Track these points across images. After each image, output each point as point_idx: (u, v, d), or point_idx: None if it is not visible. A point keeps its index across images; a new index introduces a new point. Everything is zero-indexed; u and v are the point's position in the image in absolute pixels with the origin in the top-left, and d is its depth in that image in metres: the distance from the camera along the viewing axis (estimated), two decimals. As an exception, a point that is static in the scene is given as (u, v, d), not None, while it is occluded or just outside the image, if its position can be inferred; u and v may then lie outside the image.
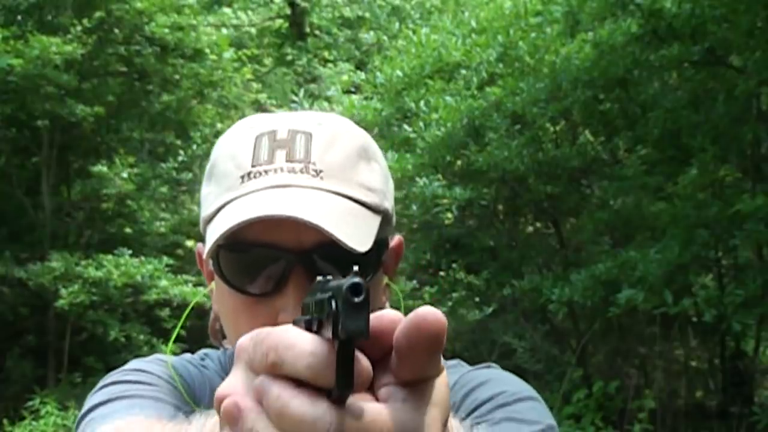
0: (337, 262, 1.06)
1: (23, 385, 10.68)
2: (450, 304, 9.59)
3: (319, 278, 0.65)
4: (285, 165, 1.10)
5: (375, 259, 1.13)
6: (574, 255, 8.66)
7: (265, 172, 1.10)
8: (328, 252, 1.06)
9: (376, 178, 1.17)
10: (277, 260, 1.09)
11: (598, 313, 7.79)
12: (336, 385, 0.56)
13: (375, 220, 1.12)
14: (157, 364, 1.23)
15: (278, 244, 1.08)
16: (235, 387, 0.62)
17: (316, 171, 1.10)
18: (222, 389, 0.63)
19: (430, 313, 0.58)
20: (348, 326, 0.55)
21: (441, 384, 0.62)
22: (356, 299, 0.55)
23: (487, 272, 9.12)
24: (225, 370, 1.26)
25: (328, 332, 0.57)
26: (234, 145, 1.16)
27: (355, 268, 0.59)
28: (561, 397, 8.21)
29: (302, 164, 1.11)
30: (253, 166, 1.12)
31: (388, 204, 1.18)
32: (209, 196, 1.16)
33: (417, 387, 0.60)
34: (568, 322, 9.03)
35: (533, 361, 9.36)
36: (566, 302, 7.47)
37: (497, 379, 1.21)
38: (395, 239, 1.25)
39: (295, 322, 0.65)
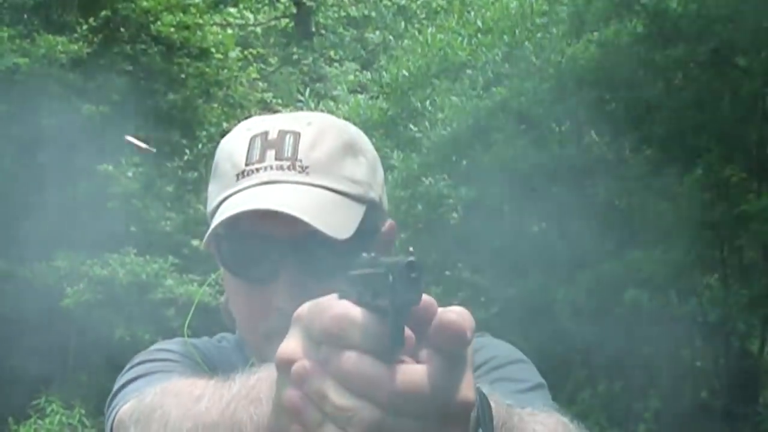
0: (325, 250, 1.16)
1: (29, 384, 10.69)
2: (455, 303, 9.56)
3: (364, 255, 0.76)
4: (274, 163, 1.21)
5: (361, 244, 1.20)
6: (579, 255, 8.65)
7: (257, 170, 1.22)
8: (316, 240, 1.15)
9: (362, 170, 1.26)
10: (270, 249, 1.20)
11: (603, 313, 7.79)
12: (390, 343, 0.68)
13: (359, 210, 1.22)
14: (178, 344, 1.37)
15: (271, 234, 1.19)
16: (295, 350, 0.74)
17: (302, 167, 1.21)
18: (283, 351, 0.74)
19: (452, 323, 0.70)
20: (405, 296, 0.67)
21: (470, 349, 0.73)
22: (413, 275, 0.67)
23: (492, 272, 9.10)
24: (240, 348, 1.41)
25: (383, 300, 0.68)
26: (232, 146, 1.28)
27: (410, 248, 0.70)
28: (566, 397, 8.21)
29: (289, 161, 1.21)
30: (246, 165, 1.23)
31: (375, 194, 1.27)
32: (212, 193, 1.28)
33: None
34: (574, 321, 9.01)
35: (538, 360, 9.35)
36: (571, 302, 7.46)
37: (490, 345, 1.36)
38: (387, 224, 1.33)
39: (341, 294, 0.75)
